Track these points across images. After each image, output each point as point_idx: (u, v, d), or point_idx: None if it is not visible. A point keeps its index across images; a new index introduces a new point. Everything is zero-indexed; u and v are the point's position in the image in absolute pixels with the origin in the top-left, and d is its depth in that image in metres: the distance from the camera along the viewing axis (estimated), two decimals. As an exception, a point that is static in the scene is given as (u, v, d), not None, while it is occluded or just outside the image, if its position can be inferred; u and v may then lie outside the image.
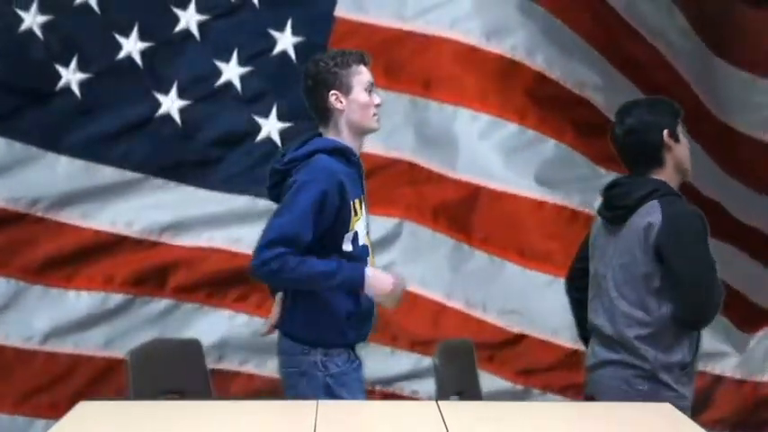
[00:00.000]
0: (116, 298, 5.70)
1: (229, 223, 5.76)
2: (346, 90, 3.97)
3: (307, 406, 3.59)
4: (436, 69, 5.86)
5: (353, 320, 3.96)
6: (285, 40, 5.79)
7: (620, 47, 5.96)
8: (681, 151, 4.16)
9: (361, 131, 4.03)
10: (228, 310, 5.77)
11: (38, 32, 5.63)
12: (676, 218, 4.02)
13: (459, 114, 5.86)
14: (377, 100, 4.02)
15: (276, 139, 5.79)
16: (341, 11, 5.82)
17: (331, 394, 3.88)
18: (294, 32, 5.78)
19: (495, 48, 5.84)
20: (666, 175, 4.14)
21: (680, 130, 4.17)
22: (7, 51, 5.64)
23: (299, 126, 5.59)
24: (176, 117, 5.74)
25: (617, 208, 4.14)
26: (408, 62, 5.84)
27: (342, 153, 3.96)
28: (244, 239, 5.55)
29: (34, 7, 5.63)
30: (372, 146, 5.16)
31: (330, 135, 4.01)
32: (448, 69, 5.85)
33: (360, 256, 3.97)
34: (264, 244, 3.82)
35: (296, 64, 5.72)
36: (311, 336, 3.92)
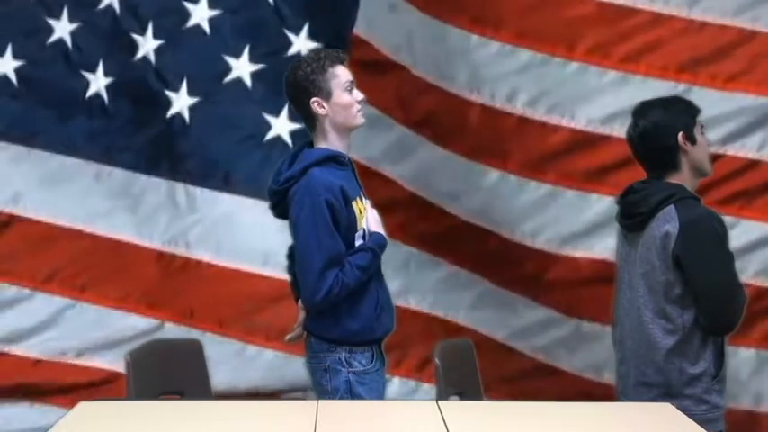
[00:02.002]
0: (142, 320, 5.69)
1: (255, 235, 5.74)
2: (326, 95, 4.04)
3: (307, 406, 3.59)
4: None
5: (379, 313, 4.07)
6: (300, 44, 5.77)
7: None
8: (698, 153, 4.09)
9: (347, 130, 4.11)
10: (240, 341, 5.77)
11: (68, 41, 5.62)
12: (693, 224, 3.96)
13: None
14: (358, 96, 4.09)
15: (287, 139, 5.75)
16: (359, 29, 5.76)
17: (351, 391, 3.99)
18: (312, 37, 5.76)
19: None
20: (683, 177, 4.08)
21: (697, 130, 4.10)
22: (40, 63, 5.64)
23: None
24: (186, 115, 5.72)
25: (633, 215, 4.10)
26: None
27: (332, 159, 4.05)
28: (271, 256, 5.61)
29: (65, 16, 5.62)
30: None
31: (318, 139, 4.10)
32: None
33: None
34: (317, 277, 3.94)
35: None
36: (338, 334, 4.04)
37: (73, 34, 5.68)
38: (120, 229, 5.78)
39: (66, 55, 5.70)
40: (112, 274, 5.76)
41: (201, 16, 5.73)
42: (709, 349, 4.01)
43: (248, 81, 5.77)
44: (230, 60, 5.74)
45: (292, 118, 5.69)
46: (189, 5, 5.73)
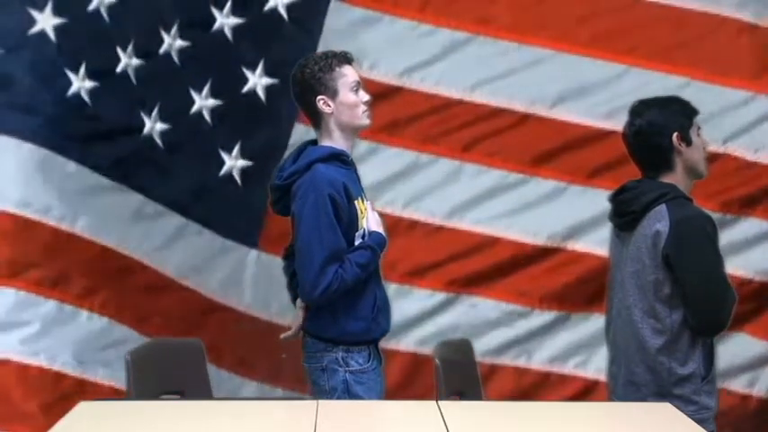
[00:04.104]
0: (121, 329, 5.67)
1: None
2: (332, 94, 4.05)
3: (307, 406, 3.59)
4: None
5: (376, 314, 4.08)
6: (255, 80, 5.77)
7: None
8: (692, 154, 4.09)
9: (352, 130, 4.12)
10: None
11: (51, 35, 5.57)
12: (683, 223, 3.96)
13: None
14: (365, 98, 4.09)
15: (236, 176, 5.77)
16: None
17: (348, 390, 4.00)
18: (267, 73, 5.76)
19: None
20: (677, 178, 4.08)
21: (693, 131, 4.10)
22: (18, 53, 5.58)
23: (259, 165, 5.61)
24: (157, 140, 5.69)
25: (625, 214, 4.10)
26: None
27: (337, 158, 4.06)
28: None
29: (48, 9, 5.56)
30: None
31: (323, 137, 4.11)
32: None
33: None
34: (317, 271, 3.94)
35: (265, 105, 5.72)
36: (335, 334, 4.04)
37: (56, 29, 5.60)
38: None
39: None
40: None
41: (174, 46, 5.71)
42: (699, 350, 4.01)
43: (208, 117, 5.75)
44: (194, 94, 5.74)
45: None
46: (163, 33, 5.70)
